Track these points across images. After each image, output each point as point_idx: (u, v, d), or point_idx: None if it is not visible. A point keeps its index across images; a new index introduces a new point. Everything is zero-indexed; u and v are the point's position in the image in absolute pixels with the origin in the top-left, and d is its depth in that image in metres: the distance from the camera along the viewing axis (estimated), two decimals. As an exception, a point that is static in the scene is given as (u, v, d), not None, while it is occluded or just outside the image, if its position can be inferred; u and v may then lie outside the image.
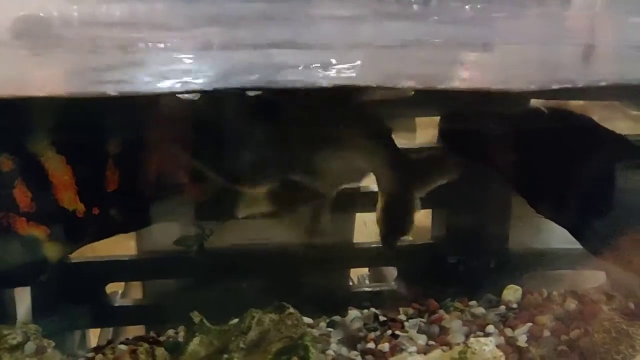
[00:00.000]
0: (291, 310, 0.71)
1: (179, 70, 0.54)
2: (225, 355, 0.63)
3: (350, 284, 1.02)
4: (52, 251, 0.60)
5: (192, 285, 0.90)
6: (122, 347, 0.69)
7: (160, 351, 0.66)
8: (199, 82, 0.53)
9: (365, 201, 0.91)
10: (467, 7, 0.61)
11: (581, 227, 0.76)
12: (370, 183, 1.16)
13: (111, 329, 0.93)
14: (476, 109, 0.81)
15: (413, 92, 0.87)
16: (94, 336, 0.94)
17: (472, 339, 0.64)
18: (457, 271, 0.90)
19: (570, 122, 0.78)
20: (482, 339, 0.64)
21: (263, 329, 0.66)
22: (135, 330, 0.89)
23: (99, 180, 0.59)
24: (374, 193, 0.93)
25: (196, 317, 0.67)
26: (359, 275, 1.10)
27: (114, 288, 0.98)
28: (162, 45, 0.53)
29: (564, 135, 0.77)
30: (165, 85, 0.53)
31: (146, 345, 0.68)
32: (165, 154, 0.61)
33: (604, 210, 0.74)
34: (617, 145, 0.76)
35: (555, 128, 0.78)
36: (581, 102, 1.23)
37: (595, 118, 1.26)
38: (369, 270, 1.10)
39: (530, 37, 0.66)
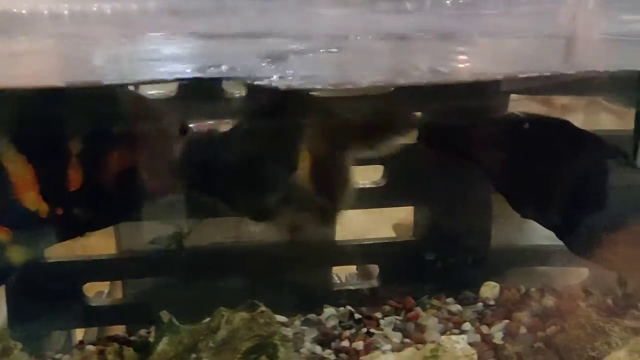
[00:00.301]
0: (263, 308, 0.70)
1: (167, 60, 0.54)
2: (194, 355, 0.62)
3: (334, 281, 1.02)
4: (16, 253, 0.59)
5: (172, 284, 0.90)
6: (91, 347, 0.68)
7: (128, 351, 0.65)
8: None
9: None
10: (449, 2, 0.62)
11: (564, 228, 0.75)
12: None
13: (96, 329, 0.92)
14: (457, 108, 0.81)
15: (392, 88, 0.88)
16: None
17: (443, 337, 0.64)
18: (439, 268, 0.90)
19: (548, 125, 0.77)
20: (454, 337, 0.63)
21: (233, 328, 0.66)
22: (120, 330, 0.88)
23: (63, 179, 0.58)
24: (361, 190, 0.94)
25: (165, 316, 0.66)
26: (347, 273, 1.10)
27: (101, 288, 0.98)
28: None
29: (542, 138, 0.76)
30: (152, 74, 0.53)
31: (115, 345, 0.67)
32: (129, 151, 0.61)
33: (586, 211, 0.73)
34: (595, 146, 0.75)
35: (534, 131, 0.77)
36: (564, 98, 1.23)
37: (579, 113, 1.26)
38: (357, 269, 1.09)
39: (517, 30, 0.66)
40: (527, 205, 0.77)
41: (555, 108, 1.26)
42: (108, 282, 0.99)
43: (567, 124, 0.78)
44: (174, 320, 0.67)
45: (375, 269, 0.99)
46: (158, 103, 0.71)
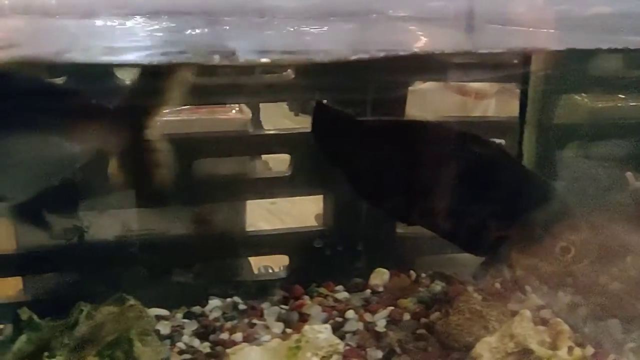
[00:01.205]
0: (132, 302, 0.69)
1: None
2: (46, 353, 0.60)
3: (242, 272, 1.01)
4: None
5: (72, 278, 0.88)
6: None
7: (-18, 351, 0.63)
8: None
9: (257, 188, 0.89)
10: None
11: (448, 230, 0.73)
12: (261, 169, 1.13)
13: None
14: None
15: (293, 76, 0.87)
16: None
17: (306, 327, 0.62)
18: (343, 257, 0.88)
19: (420, 128, 0.75)
20: (317, 327, 0.62)
21: (95, 323, 0.64)
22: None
23: None
24: (267, 179, 0.92)
25: (24, 313, 0.64)
26: (281, 265, 1.08)
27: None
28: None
29: (415, 142, 0.73)
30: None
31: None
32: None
33: (469, 210, 0.72)
34: (470, 145, 0.72)
35: (406, 136, 0.75)
36: (479, 84, 1.23)
37: (492, 100, 1.26)
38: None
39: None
40: (408, 213, 0.75)
41: (469, 95, 1.27)
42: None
43: (440, 126, 0.76)
44: (35, 317, 0.65)
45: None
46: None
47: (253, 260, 1.05)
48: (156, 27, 0.54)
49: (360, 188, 0.75)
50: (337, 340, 0.63)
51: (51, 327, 0.65)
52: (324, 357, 0.61)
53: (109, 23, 0.53)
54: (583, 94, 0.94)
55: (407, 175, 0.71)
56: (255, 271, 1.08)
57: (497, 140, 0.82)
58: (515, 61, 0.84)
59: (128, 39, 0.53)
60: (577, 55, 0.79)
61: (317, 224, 0.96)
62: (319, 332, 0.61)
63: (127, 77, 0.70)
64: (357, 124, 0.73)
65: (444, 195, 0.72)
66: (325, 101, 0.88)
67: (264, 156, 1.18)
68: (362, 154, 0.72)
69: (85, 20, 0.52)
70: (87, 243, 0.83)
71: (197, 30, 0.55)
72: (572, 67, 0.84)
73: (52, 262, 0.85)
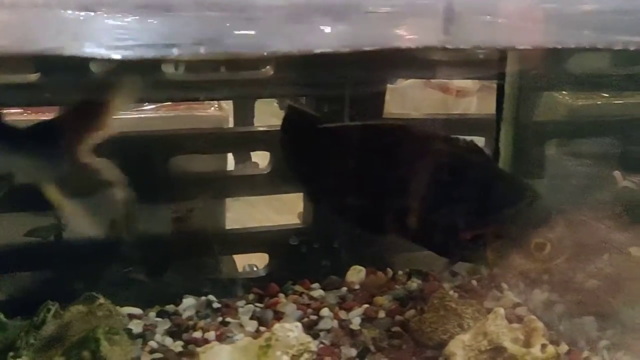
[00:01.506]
0: (101, 300, 0.68)
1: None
2: (11, 353, 0.59)
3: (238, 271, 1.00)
4: None
5: (48, 277, 0.87)
6: None
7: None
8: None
9: (237, 186, 0.88)
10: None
11: (422, 236, 0.72)
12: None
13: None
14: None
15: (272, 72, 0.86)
16: None
17: (277, 325, 0.62)
18: (321, 254, 0.88)
19: (385, 133, 0.73)
20: (287, 325, 0.61)
21: (63, 323, 0.63)
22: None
23: None
24: (246, 177, 0.91)
25: (-10, 312, 0.63)
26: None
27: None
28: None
29: (383, 148, 0.72)
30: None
31: None
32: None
33: (447, 215, 0.70)
34: (441, 144, 0.71)
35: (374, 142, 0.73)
36: (460, 82, 1.23)
37: (474, 97, 1.27)
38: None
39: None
40: (377, 223, 0.74)
41: (451, 92, 1.27)
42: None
43: (410, 128, 0.75)
44: (1, 316, 0.64)
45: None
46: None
47: (237, 258, 1.05)
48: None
49: (325, 197, 0.74)
50: (308, 339, 0.62)
51: (18, 327, 0.64)
52: (294, 355, 0.60)
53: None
54: (563, 92, 0.94)
55: (376, 183, 0.70)
56: (240, 269, 1.07)
57: (477, 138, 0.82)
58: (493, 58, 0.84)
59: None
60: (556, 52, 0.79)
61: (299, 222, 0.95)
62: (290, 331, 0.61)
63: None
64: (325, 130, 0.72)
65: (415, 201, 0.71)
66: (303, 99, 0.88)
67: (253, 154, 1.17)
68: (327, 160, 0.71)
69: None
70: (63, 242, 0.83)
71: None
72: (551, 64, 0.83)
73: (23, 261, 0.84)
